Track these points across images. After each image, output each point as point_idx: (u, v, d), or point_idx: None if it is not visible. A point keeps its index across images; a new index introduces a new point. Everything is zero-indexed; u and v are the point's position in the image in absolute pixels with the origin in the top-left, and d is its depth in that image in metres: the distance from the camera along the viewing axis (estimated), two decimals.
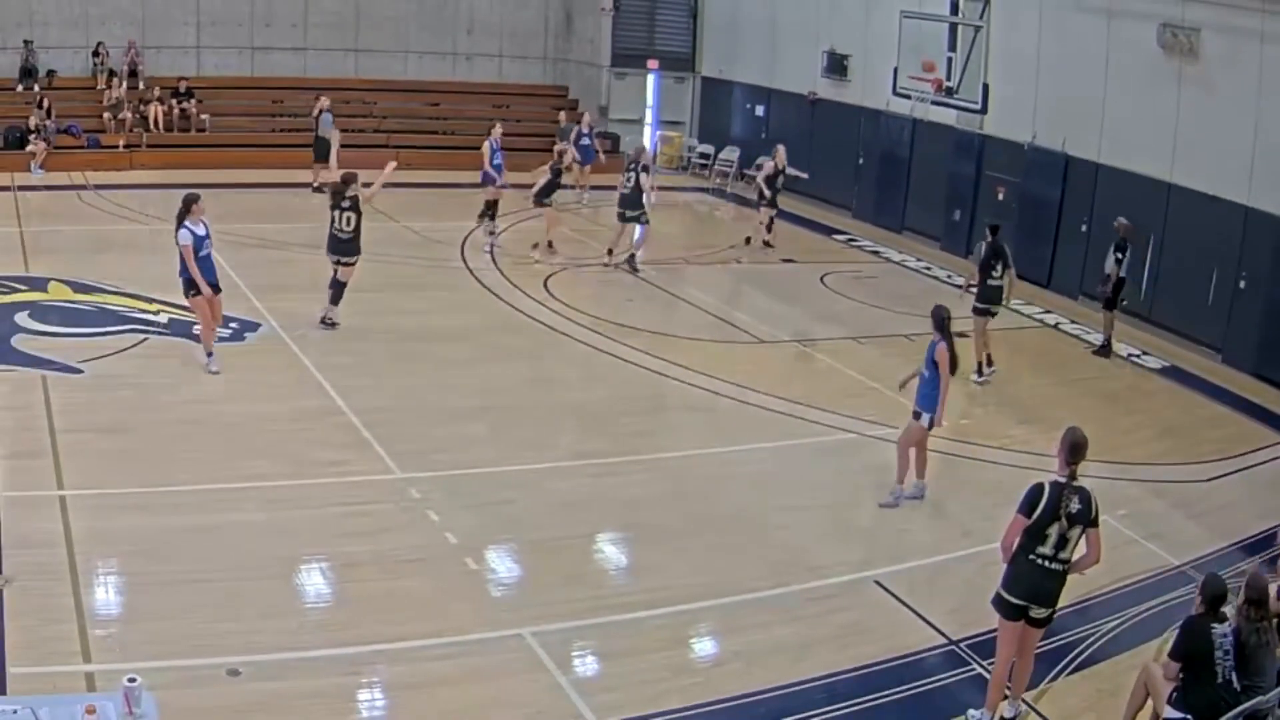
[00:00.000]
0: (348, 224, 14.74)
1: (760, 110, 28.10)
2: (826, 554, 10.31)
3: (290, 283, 16.91)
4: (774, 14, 27.32)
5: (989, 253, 15.20)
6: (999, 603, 7.71)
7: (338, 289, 14.99)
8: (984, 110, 21.61)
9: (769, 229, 21.27)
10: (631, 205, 19.12)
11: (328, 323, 14.93)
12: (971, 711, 7.98)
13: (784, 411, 13.43)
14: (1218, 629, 7.09)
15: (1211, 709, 6.96)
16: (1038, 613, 7.64)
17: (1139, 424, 14.34)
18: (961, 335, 15.57)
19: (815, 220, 24.27)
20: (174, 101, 25.46)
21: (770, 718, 7.87)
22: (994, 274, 15.15)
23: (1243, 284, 16.70)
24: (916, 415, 11.07)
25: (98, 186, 22.29)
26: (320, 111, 22.97)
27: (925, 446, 11.32)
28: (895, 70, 23.15)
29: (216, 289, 12.98)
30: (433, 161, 25.09)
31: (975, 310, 15.32)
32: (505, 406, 13.04)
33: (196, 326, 13.38)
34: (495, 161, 20.18)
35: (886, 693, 8.28)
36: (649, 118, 30.61)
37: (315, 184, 22.97)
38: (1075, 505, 7.45)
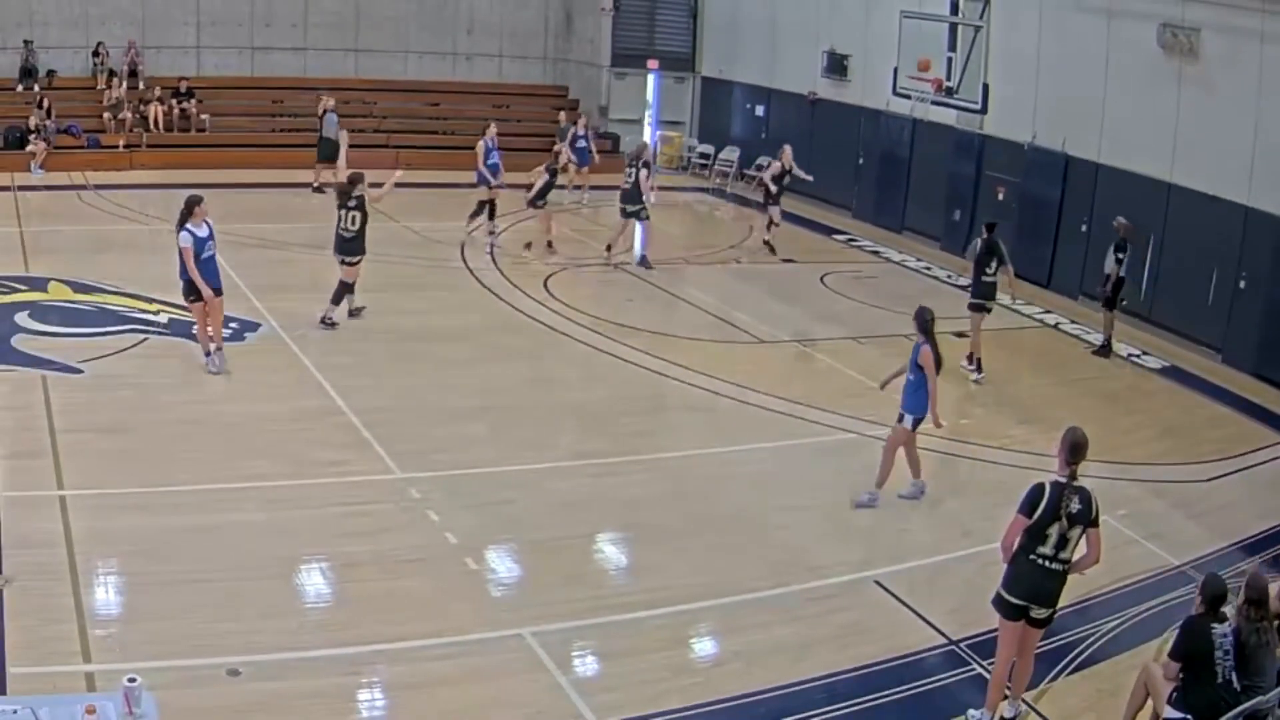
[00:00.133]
0: (352, 223, 14.80)
1: (760, 110, 28.10)
2: (826, 554, 10.31)
3: (290, 283, 16.93)
4: (774, 14, 27.32)
5: (984, 250, 15.30)
6: (999, 603, 7.71)
7: (340, 289, 14.99)
8: (984, 110, 21.60)
9: (768, 228, 21.24)
10: (631, 200, 19.19)
11: (327, 322, 14.93)
12: (971, 711, 7.98)
13: (784, 411, 13.43)
14: (1218, 629, 7.09)
15: (1211, 709, 6.96)
16: (1038, 613, 7.64)
17: (1139, 424, 14.34)
18: (962, 335, 15.70)
19: (815, 220, 24.27)
20: (174, 101, 25.46)
21: (770, 718, 7.87)
22: (988, 271, 15.24)
23: (1243, 284, 16.69)
24: (900, 418, 11.05)
25: (98, 186, 22.30)
26: (324, 111, 22.95)
27: (914, 446, 11.28)
28: (895, 70, 23.15)
29: (218, 292, 12.89)
30: (433, 161, 25.07)
31: (971, 307, 15.42)
32: (505, 406, 13.04)
33: (195, 326, 13.30)
34: (490, 161, 20.15)
35: (886, 693, 8.28)
36: (649, 118, 30.60)
37: (316, 184, 22.97)
38: (1076, 505, 7.44)
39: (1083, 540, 7.55)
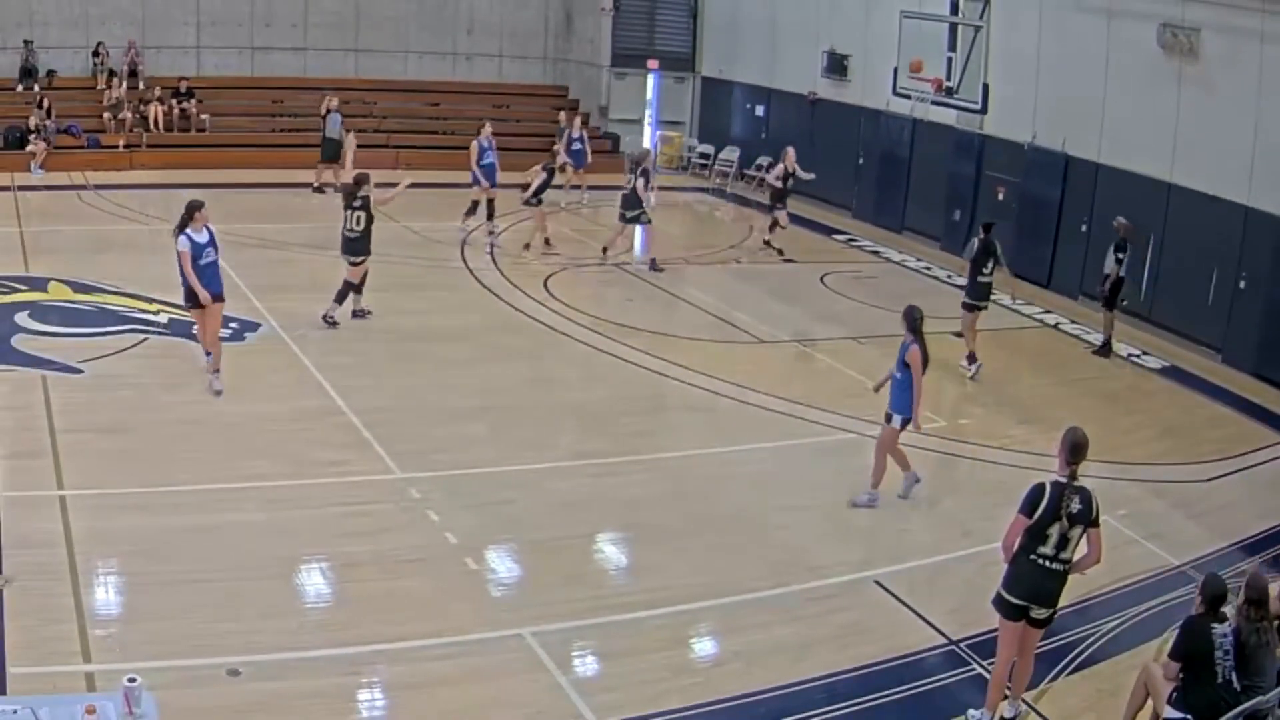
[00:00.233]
0: (357, 223, 14.85)
1: (760, 110, 28.11)
2: (826, 554, 10.31)
3: (290, 283, 16.94)
4: (774, 14, 27.33)
5: (981, 250, 15.37)
6: (999, 603, 7.71)
7: (345, 288, 15.02)
8: (984, 110, 21.61)
9: (771, 229, 21.20)
10: (630, 206, 19.21)
11: (329, 320, 14.94)
12: (971, 711, 7.98)
13: (784, 411, 13.43)
14: (1218, 629, 7.09)
15: (1211, 709, 6.96)
16: (1038, 613, 7.64)
17: (1139, 424, 14.34)
18: (960, 335, 15.70)
19: (815, 220, 24.27)
20: (174, 101, 25.46)
21: (770, 718, 7.87)
22: (984, 271, 15.33)
23: (1243, 284, 16.70)
24: (888, 418, 11.02)
25: (98, 186, 22.30)
26: (328, 112, 22.95)
27: (896, 444, 11.23)
28: (895, 70, 23.15)
29: (219, 298, 12.54)
30: (433, 161, 25.07)
31: (965, 305, 15.53)
32: (505, 406, 13.04)
33: (197, 328, 13.13)
34: (484, 161, 20.15)
35: (886, 693, 8.28)
36: (649, 118, 30.62)
37: (316, 184, 22.99)
38: (1076, 505, 7.44)
39: (1083, 540, 7.55)
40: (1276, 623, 7.33)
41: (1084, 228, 19.45)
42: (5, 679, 7.33)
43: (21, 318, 14.22)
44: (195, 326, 13.13)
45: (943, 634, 9.05)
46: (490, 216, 20.26)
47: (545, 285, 17.89)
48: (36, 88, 24.60)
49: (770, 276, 20.32)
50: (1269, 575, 7.92)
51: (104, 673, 7.47)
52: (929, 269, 21.21)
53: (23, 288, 15.38)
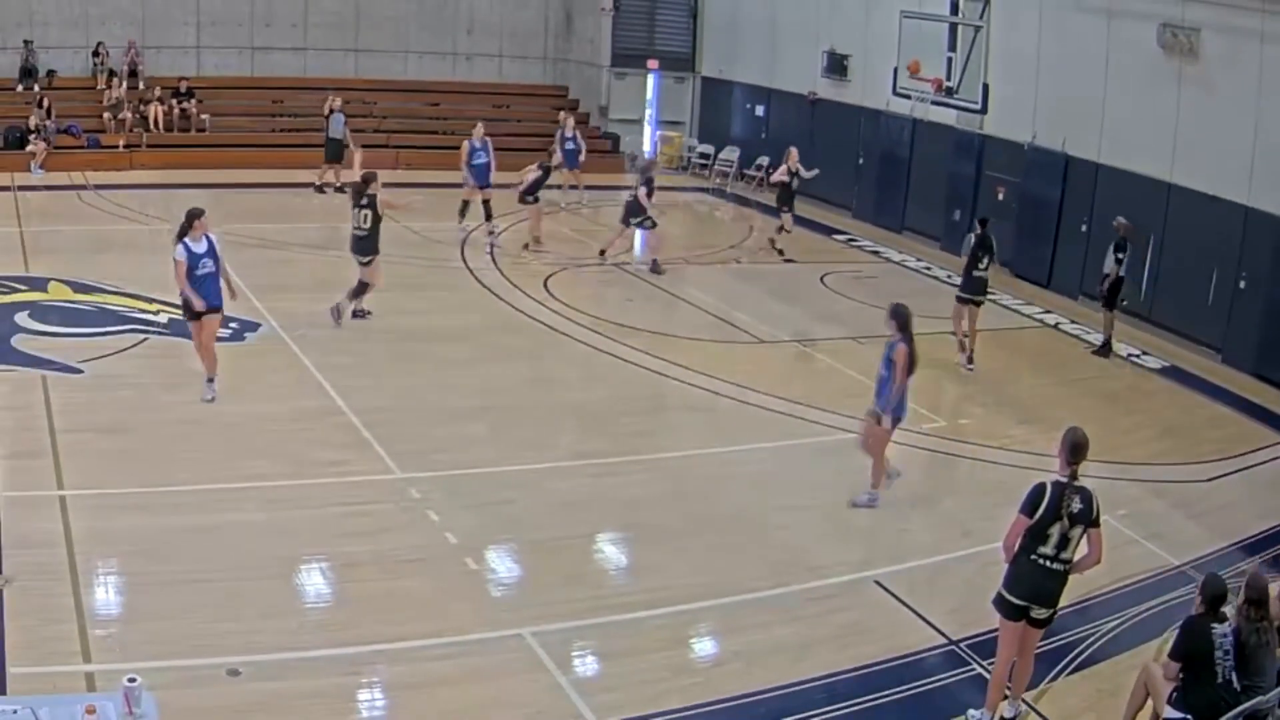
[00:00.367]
0: (364, 222, 14.84)
1: (760, 110, 28.12)
2: (826, 554, 10.31)
3: (290, 283, 16.94)
4: (774, 14, 27.33)
5: (977, 245, 15.45)
6: (1000, 603, 7.71)
7: (360, 287, 15.08)
8: (984, 110, 21.61)
9: (778, 231, 21.16)
10: (634, 214, 19.25)
11: (335, 313, 14.99)
12: (971, 711, 7.97)
13: (784, 411, 13.43)
14: (1218, 629, 7.09)
15: (1211, 709, 6.96)
16: (1039, 613, 7.64)
17: (1139, 424, 14.34)
18: (970, 350, 15.70)
19: (815, 220, 24.25)
20: (174, 101, 25.46)
21: (770, 718, 7.87)
22: (980, 266, 15.43)
23: (1243, 284, 16.70)
24: (877, 419, 10.94)
25: (98, 186, 22.30)
26: (331, 112, 22.97)
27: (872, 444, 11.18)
28: (895, 70, 23.14)
29: (216, 309, 12.19)
30: (433, 161, 25.09)
31: (958, 299, 15.67)
32: (505, 406, 13.04)
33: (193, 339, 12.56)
34: (475, 162, 20.13)
35: (886, 693, 8.28)
36: (649, 118, 30.63)
37: (318, 183, 23.02)
38: (1077, 505, 7.44)
39: (1084, 540, 7.55)
40: (1277, 623, 7.34)
41: (1084, 228, 19.45)
42: (5, 679, 7.33)
43: (21, 318, 14.22)
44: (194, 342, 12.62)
45: (943, 634, 9.05)
46: (488, 217, 20.25)
47: (545, 285, 17.89)
48: (36, 88, 24.60)
49: (770, 276, 20.33)
50: (1269, 575, 7.92)
51: (104, 673, 7.46)
52: (929, 269, 21.21)
53: (23, 288, 15.38)
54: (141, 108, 25.09)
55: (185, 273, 11.87)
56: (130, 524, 9.56)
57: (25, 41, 24.95)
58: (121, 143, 24.50)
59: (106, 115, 24.75)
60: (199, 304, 11.97)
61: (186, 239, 11.92)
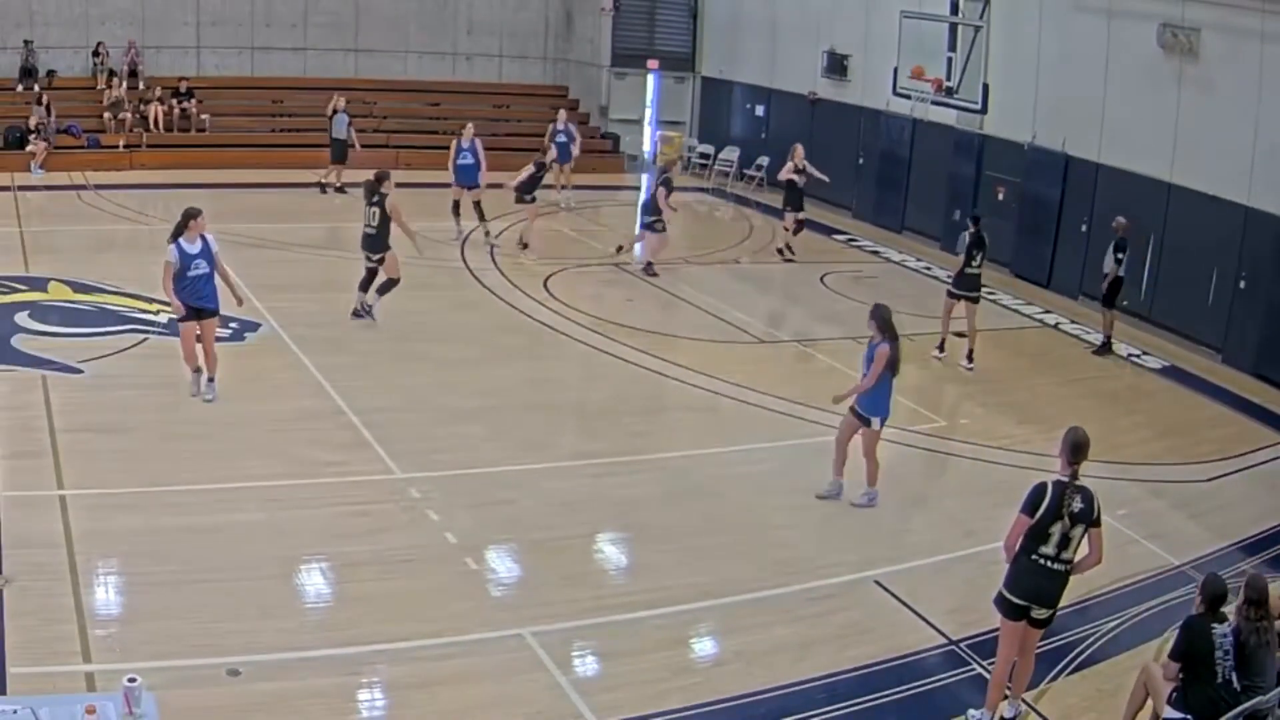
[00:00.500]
0: (373, 219, 14.88)
1: (760, 110, 28.12)
2: (826, 554, 10.31)
3: (290, 283, 16.93)
4: (774, 14, 27.33)
5: (972, 242, 15.51)
6: (1001, 602, 7.70)
7: (384, 285, 15.15)
8: (984, 110, 21.61)
9: (796, 233, 21.08)
10: (647, 211, 19.24)
11: (361, 311, 15.09)
12: (972, 711, 7.97)
13: (784, 411, 13.43)
14: (1218, 629, 7.09)
15: (1211, 709, 6.96)
16: (1039, 613, 7.63)
17: (1139, 424, 14.34)
18: (960, 335, 15.72)
19: (815, 220, 24.22)
20: (174, 101, 25.46)
21: (770, 718, 7.87)
22: (973, 263, 15.52)
23: (1243, 284, 16.70)
24: (866, 421, 10.93)
25: (98, 186, 22.30)
26: (334, 112, 22.99)
27: (846, 445, 11.12)
28: (895, 70, 23.15)
29: (213, 313, 12.08)
30: (433, 161, 24.93)
31: (949, 294, 15.85)
32: (505, 406, 13.03)
33: (183, 350, 12.33)
34: (460, 162, 20.11)
35: (887, 693, 8.28)
36: (649, 118, 30.64)
37: (323, 182, 23.03)
38: (1078, 505, 7.44)
39: (1085, 540, 7.55)
40: (1277, 623, 7.34)
41: (1084, 228, 19.46)
42: (5, 679, 7.33)
43: (21, 318, 14.22)
44: (183, 350, 12.29)
45: (943, 634, 9.05)
46: (481, 218, 20.23)
47: (545, 285, 17.89)
48: (36, 88, 24.59)
49: (770, 276, 20.33)
50: (1269, 575, 7.93)
51: (104, 673, 7.46)
52: (929, 269, 21.21)
53: (23, 288, 15.38)
54: (141, 108, 25.09)
55: (176, 274, 11.78)
56: (130, 524, 9.56)
57: (25, 41, 24.96)
58: (121, 143, 24.50)
59: (106, 115, 24.75)
60: (178, 309, 11.89)
61: (181, 239, 11.83)
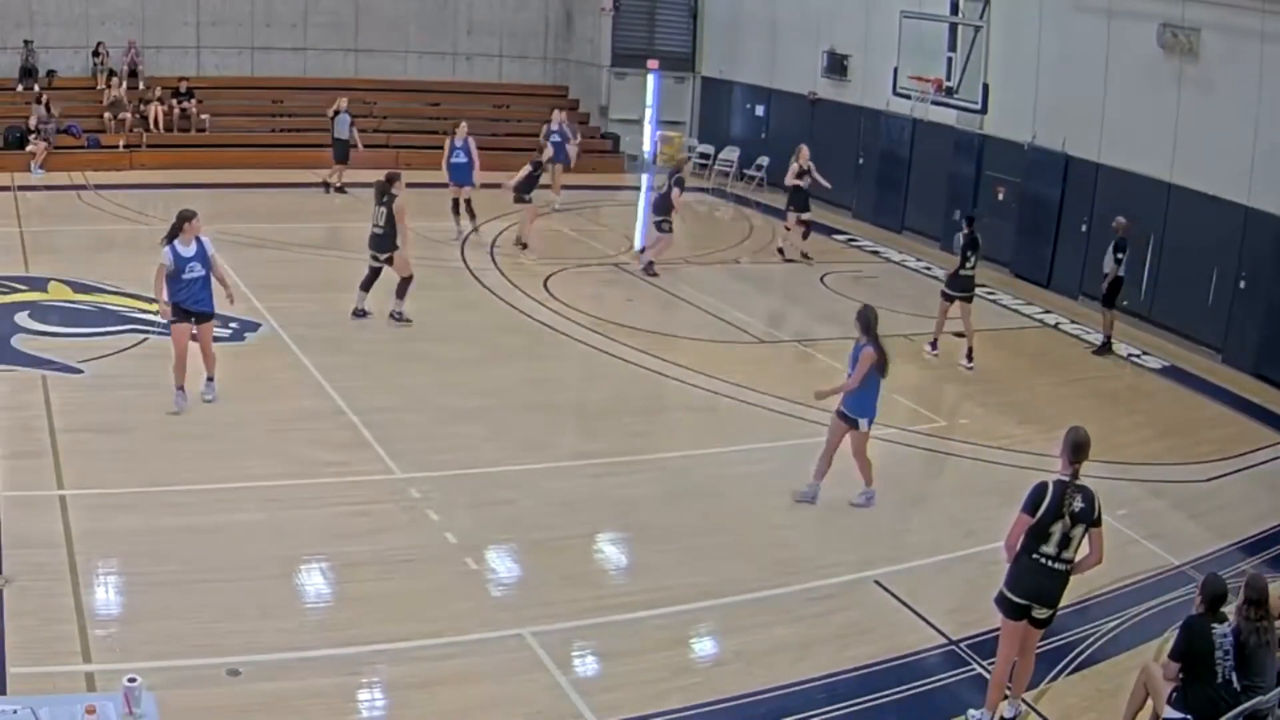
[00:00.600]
0: (381, 219, 14.94)
1: (760, 110, 28.12)
2: (826, 554, 10.31)
3: (290, 283, 16.93)
4: (774, 14, 27.34)
5: (967, 243, 15.59)
6: (1002, 602, 7.70)
7: (401, 287, 15.21)
8: (984, 110, 21.61)
9: (805, 236, 20.99)
10: (657, 210, 19.19)
11: (399, 316, 15.19)
12: (972, 711, 7.97)
13: (784, 411, 13.42)
14: (1218, 629, 7.09)
15: (1211, 709, 6.96)
16: (1040, 612, 7.63)
17: (1139, 424, 14.34)
18: (960, 335, 15.73)
19: (816, 220, 24.14)
20: (174, 101, 25.47)
21: (770, 718, 7.87)
22: (967, 264, 15.60)
23: (1243, 284, 16.70)
24: (854, 424, 10.89)
25: (98, 186, 22.30)
26: (337, 112, 23.01)
27: (834, 450, 11.04)
28: (895, 70, 23.16)
29: (208, 316, 11.91)
30: (433, 161, 24.80)
31: (943, 295, 15.91)
32: (505, 406, 13.03)
33: (174, 361, 12.04)
34: (454, 160, 20.13)
35: (887, 693, 8.28)
36: (649, 118, 30.65)
37: (326, 182, 23.05)
38: (1079, 504, 7.44)
39: (1085, 540, 7.54)
40: (1277, 623, 7.34)
41: (1084, 228, 19.46)
42: (5, 679, 7.33)
43: (21, 318, 14.22)
44: (174, 361, 12.00)
45: (943, 634, 9.05)
46: (471, 216, 20.22)
47: (545, 285, 17.89)
48: (36, 88, 24.59)
49: (770, 277, 20.34)
50: (1269, 575, 7.93)
51: (104, 673, 7.46)
52: (929, 269, 21.20)
53: (23, 288, 15.38)
54: (141, 108, 25.09)
55: (170, 277, 11.63)
56: (130, 524, 9.56)
57: (25, 41, 24.96)
58: (121, 143, 24.51)
59: (106, 115, 24.75)
60: (166, 312, 11.78)
61: (176, 242, 11.67)
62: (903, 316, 17.23)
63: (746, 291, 19.19)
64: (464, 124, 20.64)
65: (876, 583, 9.79)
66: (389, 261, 15.07)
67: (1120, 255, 16.42)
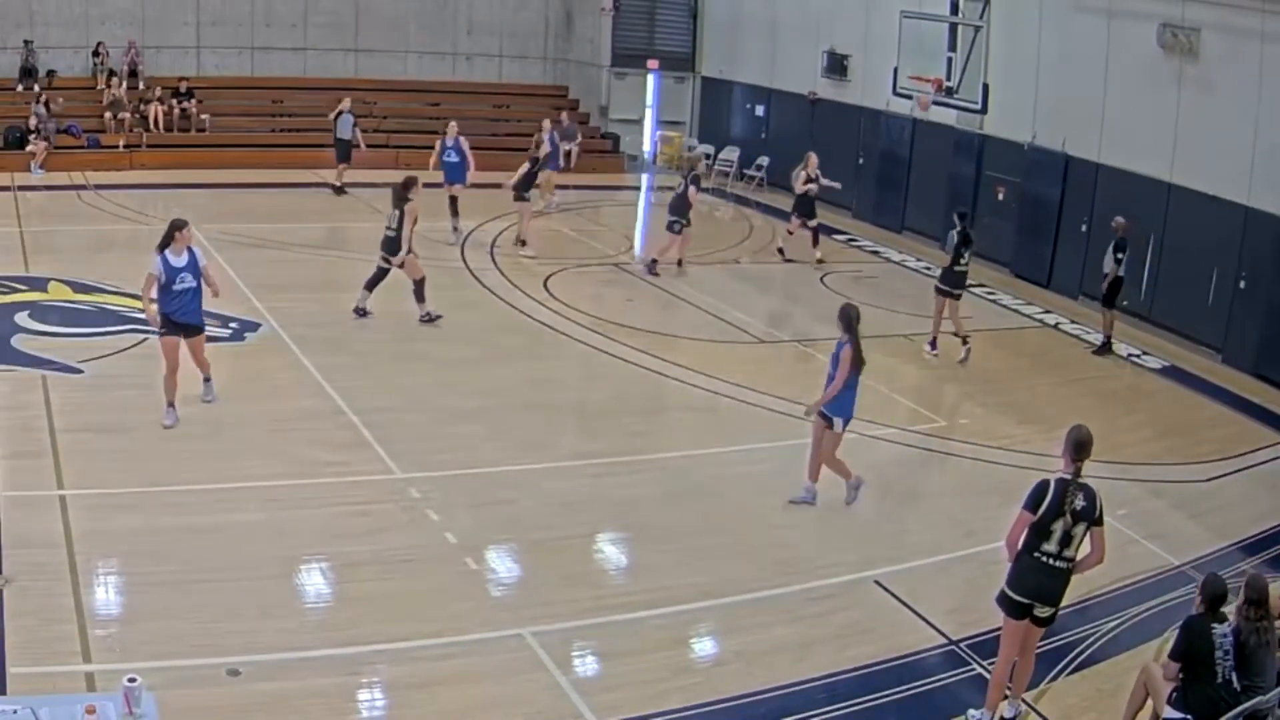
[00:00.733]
0: (394, 222, 15.02)
1: (760, 110, 28.13)
2: (826, 554, 10.31)
3: (290, 283, 16.93)
4: (774, 14, 27.35)
5: (960, 240, 15.61)
6: (1004, 601, 7.69)
7: (417, 291, 15.27)
8: (984, 110, 21.61)
9: (815, 242, 20.86)
10: (677, 212, 19.10)
11: (429, 316, 15.32)
12: (971, 711, 7.97)
13: (784, 411, 13.41)
14: (1218, 629, 7.10)
15: (1211, 709, 6.97)
16: (1042, 611, 7.63)
17: (1139, 423, 14.34)
18: (965, 338, 15.72)
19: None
20: (174, 101, 25.47)
21: (771, 718, 7.87)
22: (961, 261, 15.65)
23: (1243, 284, 16.71)
24: (829, 422, 10.85)
25: (98, 186, 22.30)
26: (340, 113, 23.02)
27: (827, 449, 11.04)
28: (895, 70, 23.16)
29: (197, 330, 11.73)
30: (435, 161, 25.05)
31: (938, 290, 15.91)
32: (505, 406, 13.04)
33: (164, 373, 11.77)
34: (446, 160, 20.13)
35: (886, 693, 8.28)
36: (649, 118, 30.65)
37: (337, 183, 23.05)
38: (1080, 502, 7.43)
39: (1087, 539, 7.54)
40: (1277, 623, 7.34)
41: (1084, 228, 19.46)
42: (5, 679, 7.33)
43: (21, 318, 14.22)
44: (164, 373, 11.72)
45: (943, 634, 9.05)
46: (454, 214, 20.22)
47: (545, 285, 17.89)
48: (36, 88, 24.59)
49: (770, 276, 20.34)
50: (1269, 575, 7.93)
51: (104, 673, 7.47)
52: (929, 269, 21.15)
53: (23, 287, 15.38)
54: (141, 107, 25.09)
55: (162, 287, 11.40)
56: (130, 524, 9.56)
57: (25, 41, 24.95)
58: (121, 143, 24.51)
59: (106, 115, 24.74)
60: (154, 319, 11.61)
61: (168, 251, 11.39)
62: (903, 316, 17.25)
63: (746, 291, 19.19)
64: (453, 124, 20.64)
65: (876, 583, 9.79)
66: (400, 265, 15.09)
67: (1120, 255, 16.42)
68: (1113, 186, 18.82)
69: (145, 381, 12.65)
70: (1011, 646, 7.77)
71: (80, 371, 12.76)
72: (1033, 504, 7.49)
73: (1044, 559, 7.52)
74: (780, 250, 21.11)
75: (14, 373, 12.59)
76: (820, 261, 20.83)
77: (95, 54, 25.67)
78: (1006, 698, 7.93)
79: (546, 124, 23.52)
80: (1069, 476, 7.50)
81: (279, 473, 10.81)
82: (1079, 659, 8.82)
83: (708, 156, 28.65)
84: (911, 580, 9.88)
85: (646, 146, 30.53)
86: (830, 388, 10.69)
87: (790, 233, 20.98)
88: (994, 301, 19.38)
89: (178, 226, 11.46)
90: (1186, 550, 10.81)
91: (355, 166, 23.03)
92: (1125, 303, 17.08)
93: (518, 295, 17.33)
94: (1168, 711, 7.24)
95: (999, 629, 7.90)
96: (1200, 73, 17.28)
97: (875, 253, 22.44)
